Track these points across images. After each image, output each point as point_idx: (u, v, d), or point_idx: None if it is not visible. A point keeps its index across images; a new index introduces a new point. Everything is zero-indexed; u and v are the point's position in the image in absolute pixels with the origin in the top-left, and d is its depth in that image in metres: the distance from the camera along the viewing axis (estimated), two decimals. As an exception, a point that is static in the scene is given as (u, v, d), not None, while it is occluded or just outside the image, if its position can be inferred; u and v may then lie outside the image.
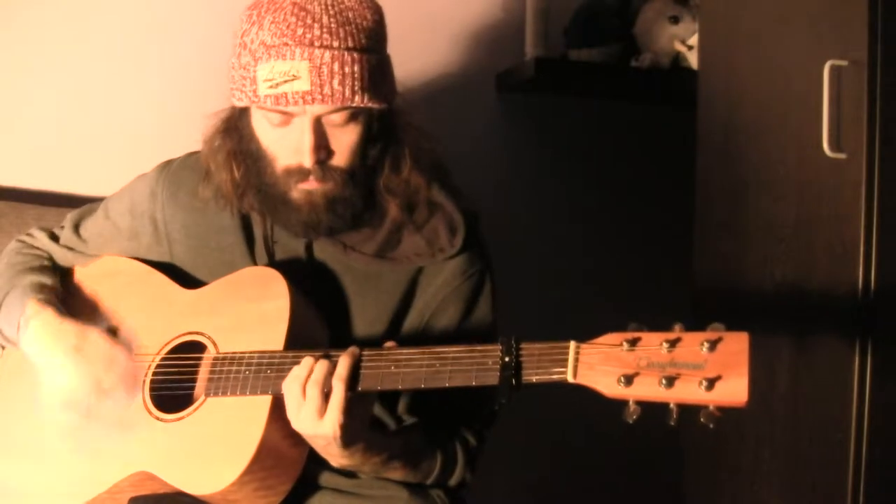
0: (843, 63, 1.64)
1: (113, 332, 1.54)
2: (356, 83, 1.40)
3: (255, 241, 1.57)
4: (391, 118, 1.50)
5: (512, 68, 2.35)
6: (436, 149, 1.55)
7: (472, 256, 1.56)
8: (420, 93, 2.30)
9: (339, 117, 1.43)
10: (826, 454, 1.68)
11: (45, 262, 1.65)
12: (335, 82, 1.39)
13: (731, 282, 1.94)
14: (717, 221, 2.00)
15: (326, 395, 1.32)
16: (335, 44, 1.39)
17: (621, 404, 1.19)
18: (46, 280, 1.60)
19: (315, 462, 1.46)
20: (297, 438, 1.38)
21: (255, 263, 1.55)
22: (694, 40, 2.25)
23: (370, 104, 1.43)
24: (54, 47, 2.12)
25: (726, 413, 1.15)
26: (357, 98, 1.41)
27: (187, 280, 1.58)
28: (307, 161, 1.43)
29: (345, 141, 1.45)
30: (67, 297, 1.61)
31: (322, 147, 1.43)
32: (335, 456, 1.38)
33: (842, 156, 1.65)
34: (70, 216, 1.71)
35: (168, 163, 1.66)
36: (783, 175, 1.81)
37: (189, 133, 1.62)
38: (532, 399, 2.14)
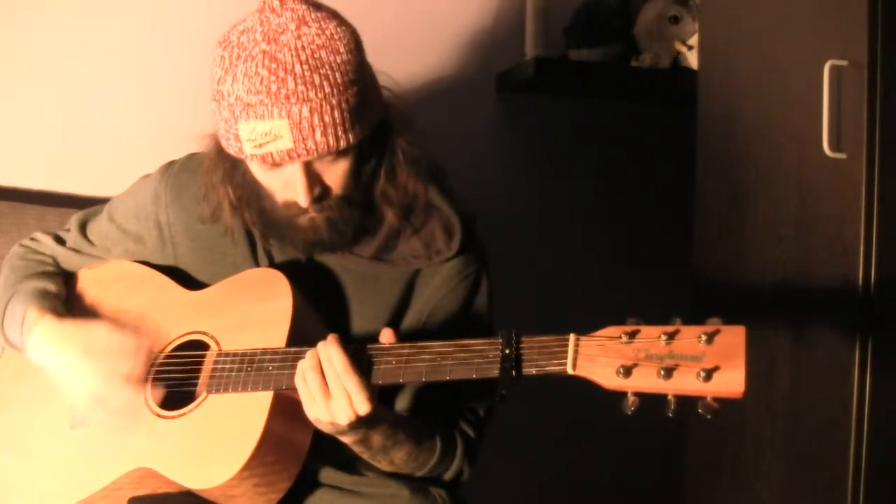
0: (843, 63, 1.64)
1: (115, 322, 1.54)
2: (338, 128, 1.38)
3: (256, 245, 1.57)
4: (383, 129, 1.49)
5: (512, 68, 2.35)
6: (431, 150, 1.55)
7: (468, 258, 1.56)
8: (420, 93, 2.31)
9: (328, 157, 1.42)
10: (826, 454, 1.68)
11: (48, 268, 1.65)
12: (317, 135, 1.37)
13: (731, 282, 1.94)
14: (717, 221, 2.00)
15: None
16: (311, 94, 1.36)
17: (620, 402, 1.19)
18: (49, 285, 1.59)
19: (316, 459, 1.46)
20: (297, 434, 1.38)
21: (257, 266, 1.56)
22: (694, 40, 2.25)
23: (357, 139, 1.42)
24: (55, 47, 2.12)
25: (726, 412, 1.15)
26: (342, 141, 1.39)
27: (191, 283, 1.59)
28: (303, 202, 1.43)
29: (338, 173, 1.45)
30: (72, 301, 1.61)
31: (315, 186, 1.44)
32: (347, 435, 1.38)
33: (842, 156, 1.65)
34: (75, 218, 1.70)
35: (170, 164, 1.66)
36: (783, 175, 1.81)
37: (190, 133, 1.62)
38: (533, 400, 2.15)
